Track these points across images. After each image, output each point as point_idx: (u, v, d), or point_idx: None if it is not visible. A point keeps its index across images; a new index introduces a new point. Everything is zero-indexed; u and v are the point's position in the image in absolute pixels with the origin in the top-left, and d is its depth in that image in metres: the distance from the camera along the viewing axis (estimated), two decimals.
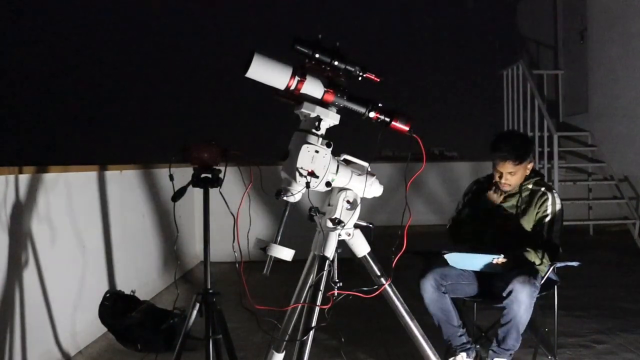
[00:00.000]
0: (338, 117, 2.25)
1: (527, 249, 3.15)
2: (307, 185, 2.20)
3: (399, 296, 2.46)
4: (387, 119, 2.27)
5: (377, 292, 2.36)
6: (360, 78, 2.24)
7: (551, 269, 3.22)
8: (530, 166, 3.31)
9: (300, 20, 12.09)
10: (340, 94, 2.22)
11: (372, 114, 2.26)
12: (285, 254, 2.21)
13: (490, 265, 3.14)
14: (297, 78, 2.16)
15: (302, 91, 2.18)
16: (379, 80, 2.25)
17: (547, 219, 3.24)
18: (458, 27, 12.75)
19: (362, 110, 2.26)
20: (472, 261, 3.17)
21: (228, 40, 12.53)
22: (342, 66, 2.21)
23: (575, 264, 3.29)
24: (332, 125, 2.26)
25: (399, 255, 2.31)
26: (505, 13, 11.51)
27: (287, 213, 2.30)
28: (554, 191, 3.32)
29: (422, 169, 2.37)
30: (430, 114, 12.16)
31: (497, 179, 3.30)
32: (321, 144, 2.22)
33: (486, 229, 3.35)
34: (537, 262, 3.13)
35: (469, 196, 3.49)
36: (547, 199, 3.26)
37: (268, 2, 13.21)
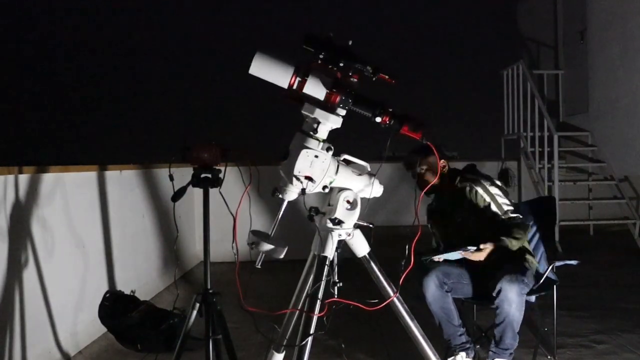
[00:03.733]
0: (340, 120, 2.18)
1: (501, 237, 3.16)
2: (303, 191, 2.19)
3: (399, 296, 2.46)
4: (397, 125, 2.18)
5: (380, 307, 2.33)
6: (374, 79, 2.15)
7: (550, 268, 3.23)
8: (441, 162, 3.35)
9: (300, 20, 12.09)
10: (346, 96, 2.14)
11: (379, 119, 2.17)
12: (279, 252, 2.20)
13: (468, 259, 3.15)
14: (298, 77, 2.12)
15: (304, 91, 2.14)
16: (393, 81, 2.16)
17: (492, 205, 3.30)
18: (458, 27, 12.74)
19: (369, 114, 2.18)
20: (451, 257, 3.18)
21: (228, 40, 12.52)
22: (351, 66, 2.12)
23: (574, 262, 3.29)
24: (333, 128, 2.21)
25: (406, 272, 2.28)
26: (505, 13, 11.50)
27: (282, 210, 2.29)
28: (479, 180, 3.36)
29: (436, 180, 2.32)
30: (430, 114, 12.15)
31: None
32: (322, 148, 2.19)
33: (459, 242, 3.32)
34: (514, 243, 3.15)
35: (430, 221, 3.52)
36: (476, 192, 3.33)
37: (270, 2, 13.21)
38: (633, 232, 7.39)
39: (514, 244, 3.16)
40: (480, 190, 3.33)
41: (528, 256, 3.25)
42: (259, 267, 2.21)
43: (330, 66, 2.13)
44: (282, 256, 2.22)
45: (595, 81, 8.47)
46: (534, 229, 3.53)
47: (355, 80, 2.17)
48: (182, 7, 13.22)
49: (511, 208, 3.31)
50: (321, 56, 2.11)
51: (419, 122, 2.19)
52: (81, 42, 13.19)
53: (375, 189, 2.40)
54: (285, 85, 2.14)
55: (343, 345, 3.24)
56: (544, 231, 3.55)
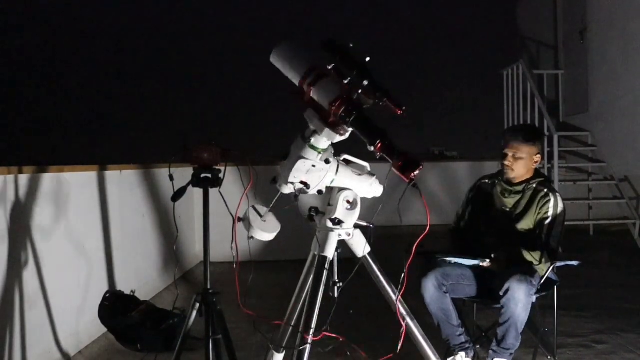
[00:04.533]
0: (336, 136, 2.09)
1: (523, 249, 3.16)
2: (295, 198, 2.19)
3: (399, 297, 2.46)
4: (389, 159, 1.99)
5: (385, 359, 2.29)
6: (380, 103, 2.01)
7: (551, 268, 3.23)
8: (537, 158, 3.32)
9: (302, 22, 12.08)
10: (346, 113, 1.99)
11: (372, 148, 1.99)
12: (265, 235, 2.22)
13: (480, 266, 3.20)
14: (307, 80, 2.05)
15: (311, 95, 2.08)
16: (399, 112, 2.00)
17: (547, 221, 3.23)
18: (458, 27, 12.74)
19: (365, 140, 2.01)
20: (463, 262, 3.22)
21: (229, 40, 12.52)
22: (360, 84, 1.99)
23: (575, 263, 3.29)
24: (328, 143, 2.12)
25: (408, 263, 2.26)
26: (505, 13, 11.50)
27: (277, 197, 2.31)
28: (557, 194, 3.29)
29: (427, 231, 2.24)
30: (430, 114, 12.16)
31: (503, 161, 3.31)
32: (320, 159, 2.15)
33: (487, 230, 3.35)
34: (535, 262, 3.13)
35: (473, 192, 3.51)
36: (549, 201, 3.24)
37: (271, 4, 13.21)
38: (633, 232, 7.39)
39: (537, 262, 3.13)
40: (552, 202, 3.23)
41: (541, 265, 3.21)
42: (251, 238, 2.22)
43: (341, 78, 2.02)
44: (268, 239, 2.23)
45: (595, 81, 8.47)
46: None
47: (366, 99, 2.03)
48: (182, 9, 13.23)
49: (556, 241, 3.23)
50: (331, 65, 2.02)
51: (411, 164, 1.96)
52: (82, 43, 13.20)
53: (375, 189, 2.40)
54: (297, 84, 2.10)
55: (348, 353, 3.22)
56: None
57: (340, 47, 2.02)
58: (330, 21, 12.24)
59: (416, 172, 1.95)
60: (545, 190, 3.28)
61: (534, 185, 3.30)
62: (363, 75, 1.99)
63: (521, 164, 3.28)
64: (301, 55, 2.10)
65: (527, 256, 3.14)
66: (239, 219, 2.23)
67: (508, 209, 3.33)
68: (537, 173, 3.38)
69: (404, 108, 1.99)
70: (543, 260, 3.14)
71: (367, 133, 1.99)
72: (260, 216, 2.25)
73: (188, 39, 13.10)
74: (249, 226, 2.21)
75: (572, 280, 4.87)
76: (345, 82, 2.00)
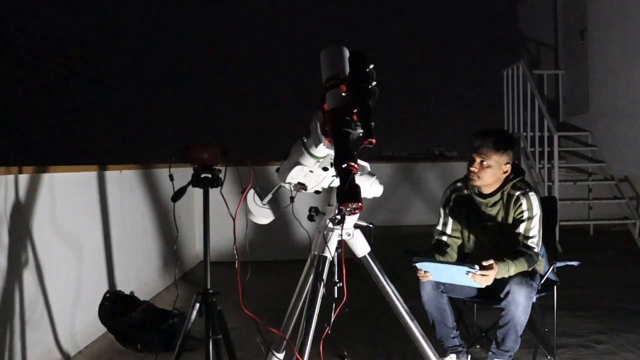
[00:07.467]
0: (322, 149, 2.10)
1: (506, 259, 2.95)
2: (292, 199, 2.22)
3: (399, 296, 2.46)
4: (341, 183, 1.96)
5: None
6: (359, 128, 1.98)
7: (551, 269, 3.22)
8: (506, 168, 3.11)
9: (301, 21, 12.08)
10: (333, 125, 2.00)
11: (336, 166, 1.98)
12: (260, 219, 2.38)
13: (468, 279, 2.91)
14: (326, 85, 2.07)
15: (326, 97, 2.08)
16: (365, 142, 1.94)
17: (523, 223, 3.08)
18: (458, 27, 12.74)
19: (335, 154, 2.00)
20: (447, 272, 2.96)
21: (229, 40, 12.52)
22: (355, 103, 1.98)
23: (575, 263, 3.28)
24: (327, 151, 2.12)
25: None
26: (505, 13, 11.50)
27: (277, 188, 2.42)
28: (530, 194, 3.11)
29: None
30: (430, 114, 12.16)
31: (469, 168, 3.12)
32: (318, 166, 2.17)
33: (477, 246, 3.22)
34: (508, 273, 2.94)
35: (450, 207, 3.28)
36: (521, 204, 3.09)
37: (268, 5, 13.20)
38: (633, 232, 7.39)
39: (511, 272, 2.96)
40: (524, 205, 3.08)
41: (536, 266, 3.16)
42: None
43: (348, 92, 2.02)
44: (261, 222, 2.37)
45: (595, 81, 8.47)
46: (544, 260, 3.29)
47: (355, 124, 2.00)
48: (182, 8, 13.23)
49: (536, 237, 3.08)
50: (343, 76, 2.04)
51: (351, 197, 1.93)
52: (81, 42, 13.20)
53: (375, 189, 2.40)
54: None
55: (346, 353, 3.23)
56: (545, 231, 3.52)
57: (358, 64, 2.01)
58: (331, 23, 12.24)
59: (352, 207, 1.92)
60: (517, 193, 3.11)
61: (507, 191, 3.14)
62: (356, 104, 1.97)
63: (489, 172, 3.08)
64: (335, 62, 2.12)
65: (506, 268, 2.95)
66: (241, 192, 2.33)
67: (494, 222, 3.17)
68: (510, 173, 3.17)
69: (373, 141, 1.94)
70: (521, 266, 2.99)
71: (341, 151, 1.97)
72: (261, 199, 2.34)
73: (188, 39, 13.10)
74: (247, 208, 2.35)
75: (572, 280, 4.87)
76: (347, 97, 2.01)
